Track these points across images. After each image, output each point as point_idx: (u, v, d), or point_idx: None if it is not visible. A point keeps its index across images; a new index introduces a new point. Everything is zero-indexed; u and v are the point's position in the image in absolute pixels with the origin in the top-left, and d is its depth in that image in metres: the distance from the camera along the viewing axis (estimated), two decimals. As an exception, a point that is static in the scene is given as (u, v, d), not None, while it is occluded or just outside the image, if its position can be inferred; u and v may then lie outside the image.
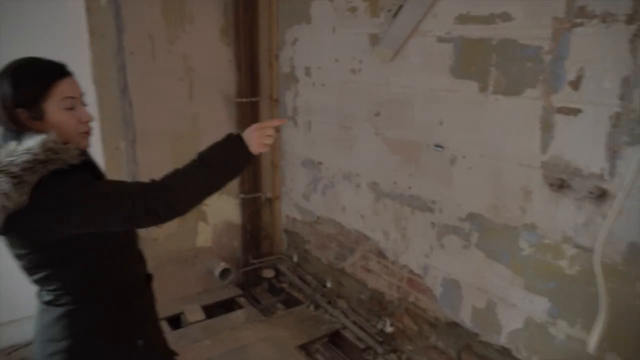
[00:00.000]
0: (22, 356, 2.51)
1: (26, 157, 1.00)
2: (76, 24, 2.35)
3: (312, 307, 2.98)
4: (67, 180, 1.04)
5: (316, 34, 2.70)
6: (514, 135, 1.78)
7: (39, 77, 1.09)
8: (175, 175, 1.13)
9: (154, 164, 2.62)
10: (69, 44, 2.30)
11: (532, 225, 1.78)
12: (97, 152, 2.18)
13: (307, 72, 2.84)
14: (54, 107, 1.09)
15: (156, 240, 2.89)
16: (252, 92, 2.95)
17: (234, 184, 3.14)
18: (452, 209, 2.10)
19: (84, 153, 1.15)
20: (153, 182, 1.11)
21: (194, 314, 2.92)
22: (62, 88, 1.10)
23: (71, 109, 1.12)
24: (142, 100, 2.62)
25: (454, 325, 2.19)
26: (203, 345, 2.62)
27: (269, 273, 3.39)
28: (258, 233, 3.29)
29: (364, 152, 2.54)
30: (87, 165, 1.16)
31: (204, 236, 3.11)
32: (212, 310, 3.04)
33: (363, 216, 2.63)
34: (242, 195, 3.16)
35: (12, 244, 1.12)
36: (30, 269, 1.15)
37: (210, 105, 2.91)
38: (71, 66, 1.16)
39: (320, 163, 2.89)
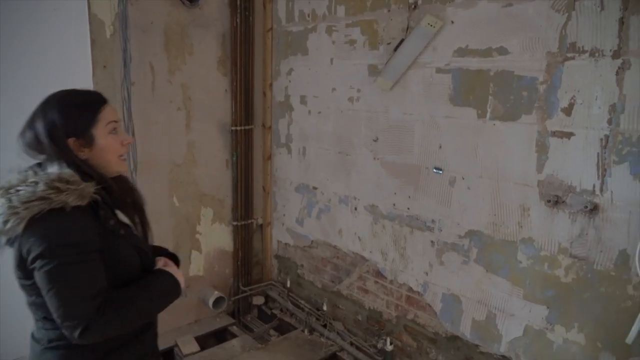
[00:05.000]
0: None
1: (29, 190, 1.00)
2: (81, 55, 2.36)
3: (306, 332, 3.00)
4: (53, 225, 1.01)
5: (313, 64, 2.82)
6: (511, 156, 1.95)
7: (86, 105, 1.14)
8: (122, 309, 1.08)
9: (153, 193, 2.62)
10: (73, 74, 2.31)
11: (530, 239, 1.95)
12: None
13: (303, 100, 2.95)
14: (101, 132, 1.14)
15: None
16: (246, 121, 3.03)
17: (227, 211, 3.16)
18: (451, 227, 2.24)
19: (105, 189, 1.12)
20: (103, 313, 1.03)
21: (187, 345, 2.86)
22: (106, 113, 1.16)
23: (115, 133, 1.18)
24: (142, 129, 2.63)
25: (454, 339, 2.30)
26: (203, 377, 2.58)
27: (258, 300, 3.38)
28: (249, 260, 3.30)
29: (361, 176, 2.64)
30: (103, 203, 1.11)
31: (197, 265, 3.09)
32: (205, 341, 2.99)
33: (360, 238, 2.72)
34: (234, 223, 3.18)
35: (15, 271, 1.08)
36: (29, 305, 1.13)
37: (206, 133, 2.95)
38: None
39: (315, 188, 2.97)
